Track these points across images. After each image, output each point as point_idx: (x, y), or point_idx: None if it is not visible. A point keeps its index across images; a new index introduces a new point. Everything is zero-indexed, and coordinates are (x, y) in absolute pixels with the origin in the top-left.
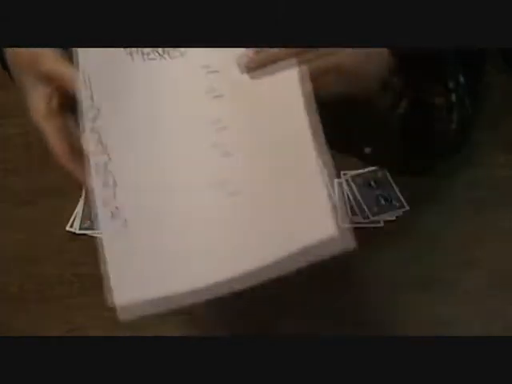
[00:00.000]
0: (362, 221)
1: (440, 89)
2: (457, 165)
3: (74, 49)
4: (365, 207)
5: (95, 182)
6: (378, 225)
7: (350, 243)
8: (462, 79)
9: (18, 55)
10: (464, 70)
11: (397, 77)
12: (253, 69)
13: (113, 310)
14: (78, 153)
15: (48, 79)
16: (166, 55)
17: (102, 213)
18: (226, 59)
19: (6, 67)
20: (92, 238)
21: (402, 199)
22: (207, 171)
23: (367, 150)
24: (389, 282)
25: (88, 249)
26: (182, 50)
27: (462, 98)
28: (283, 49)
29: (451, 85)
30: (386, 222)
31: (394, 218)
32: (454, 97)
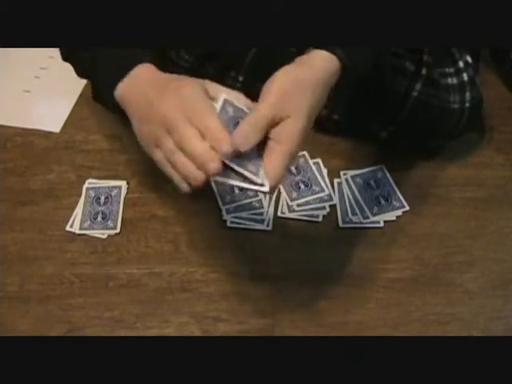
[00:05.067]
0: (362, 221)
1: (451, 70)
2: (457, 165)
3: None
4: (365, 207)
5: None
6: (378, 225)
7: None
8: (469, 59)
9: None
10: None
11: (409, 61)
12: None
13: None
14: None
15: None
16: None
17: None
18: None
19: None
20: (92, 237)
21: (402, 199)
22: None
23: (383, 134)
24: (388, 282)
25: (88, 249)
26: None
27: (472, 78)
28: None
29: (461, 65)
30: (385, 221)
31: (394, 218)
32: (465, 77)
